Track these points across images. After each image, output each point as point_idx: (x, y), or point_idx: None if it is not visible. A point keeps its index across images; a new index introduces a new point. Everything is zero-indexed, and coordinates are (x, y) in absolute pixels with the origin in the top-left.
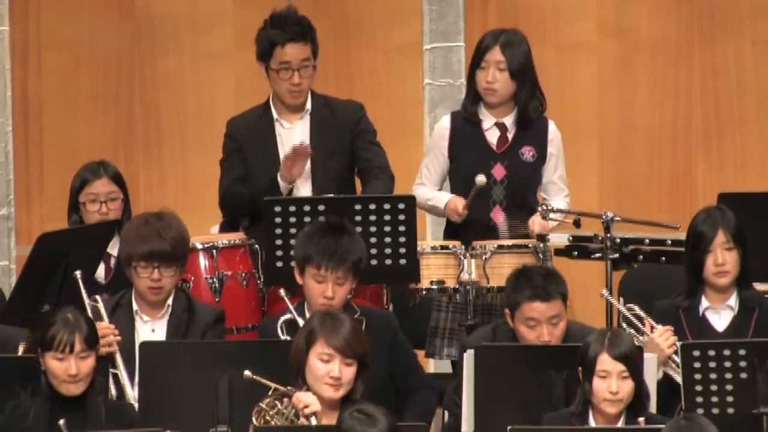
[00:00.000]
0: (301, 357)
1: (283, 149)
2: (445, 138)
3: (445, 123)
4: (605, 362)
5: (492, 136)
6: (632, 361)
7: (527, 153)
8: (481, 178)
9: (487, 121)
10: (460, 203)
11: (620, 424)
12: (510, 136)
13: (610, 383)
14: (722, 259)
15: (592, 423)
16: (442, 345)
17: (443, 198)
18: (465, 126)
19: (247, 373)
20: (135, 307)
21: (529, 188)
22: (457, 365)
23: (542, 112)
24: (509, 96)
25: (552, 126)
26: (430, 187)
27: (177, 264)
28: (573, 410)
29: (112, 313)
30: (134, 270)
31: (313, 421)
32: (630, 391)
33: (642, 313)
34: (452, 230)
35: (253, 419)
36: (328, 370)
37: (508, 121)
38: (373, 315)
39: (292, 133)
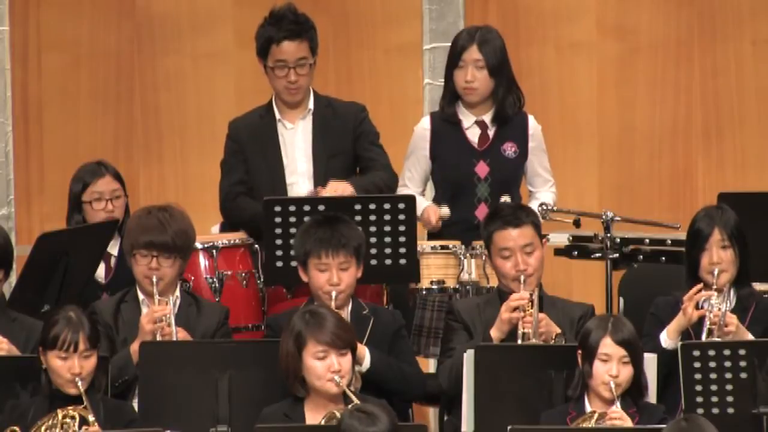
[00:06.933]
0: (294, 362)
1: (286, 150)
2: (426, 139)
3: (425, 124)
4: (608, 346)
5: (473, 135)
6: (634, 348)
7: (509, 149)
8: (445, 210)
9: (467, 119)
10: (434, 216)
11: (615, 408)
12: (491, 133)
13: (610, 367)
14: (717, 257)
15: (588, 408)
16: (427, 344)
17: (420, 205)
18: (445, 126)
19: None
20: (141, 296)
21: (513, 184)
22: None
23: (520, 107)
24: (488, 94)
25: (532, 120)
26: (413, 188)
27: (176, 256)
28: (570, 394)
29: (116, 310)
30: (134, 258)
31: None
32: (629, 377)
33: None
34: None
35: None
36: (328, 366)
37: (488, 118)
38: (380, 311)
39: (295, 133)
